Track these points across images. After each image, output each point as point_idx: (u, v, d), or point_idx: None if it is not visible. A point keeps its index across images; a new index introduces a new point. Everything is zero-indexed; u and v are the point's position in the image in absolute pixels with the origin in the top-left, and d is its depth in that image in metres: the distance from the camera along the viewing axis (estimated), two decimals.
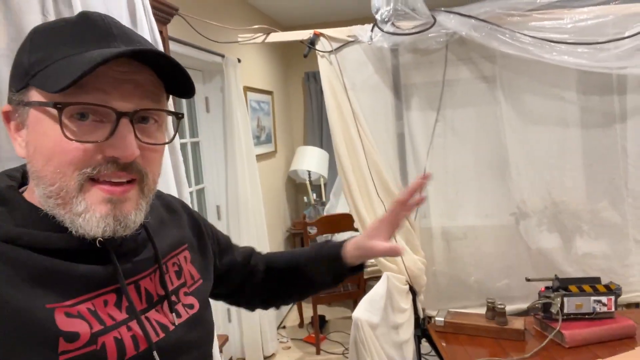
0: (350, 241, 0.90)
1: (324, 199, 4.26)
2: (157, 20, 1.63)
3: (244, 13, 3.35)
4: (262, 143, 3.68)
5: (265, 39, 1.78)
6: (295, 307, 3.75)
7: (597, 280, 1.65)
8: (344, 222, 3.24)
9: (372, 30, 1.71)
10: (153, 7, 1.57)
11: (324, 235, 4.12)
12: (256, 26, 1.78)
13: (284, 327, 3.71)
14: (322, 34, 1.75)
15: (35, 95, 0.54)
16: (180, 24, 2.04)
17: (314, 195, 4.24)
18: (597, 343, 1.56)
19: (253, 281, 0.93)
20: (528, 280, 1.70)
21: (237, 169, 2.85)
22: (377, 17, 1.70)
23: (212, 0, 2.80)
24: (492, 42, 1.70)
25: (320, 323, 3.43)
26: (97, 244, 0.56)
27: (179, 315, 0.66)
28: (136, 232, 0.61)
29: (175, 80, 0.58)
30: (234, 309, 3.08)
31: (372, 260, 1.90)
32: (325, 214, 3.75)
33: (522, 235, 1.98)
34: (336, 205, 3.81)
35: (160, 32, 1.70)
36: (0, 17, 1.01)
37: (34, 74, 0.53)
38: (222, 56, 2.71)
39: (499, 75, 1.84)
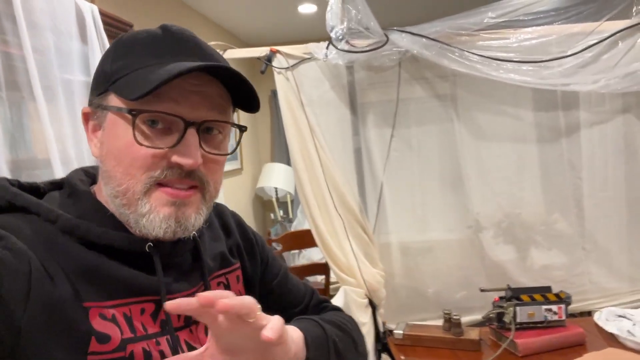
0: None
1: (291, 215, 4.26)
2: (110, 36, 1.63)
3: (207, 31, 3.37)
4: (228, 160, 3.66)
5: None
6: None
7: (547, 289, 1.70)
8: (309, 237, 3.22)
9: (327, 48, 1.75)
10: (105, 23, 1.57)
11: (291, 252, 4.11)
12: (213, 42, 1.79)
13: None
14: (278, 51, 1.77)
15: (113, 100, 0.57)
16: None
17: (281, 212, 4.24)
18: (549, 351, 1.60)
19: None
20: (482, 290, 1.74)
21: None
22: (332, 35, 1.74)
23: (173, 16, 2.82)
24: (443, 60, 1.76)
25: None
26: (147, 249, 0.57)
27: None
28: (187, 245, 0.63)
29: (241, 94, 0.62)
30: None
31: (334, 276, 1.90)
32: (292, 230, 3.75)
33: (479, 248, 2.03)
34: (303, 222, 3.82)
35: None
36: None
37: (114, 81, 0.57)
38: None
39: (452, 94, 1.91)
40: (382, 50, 1.76)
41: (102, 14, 1.57)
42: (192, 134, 0.57)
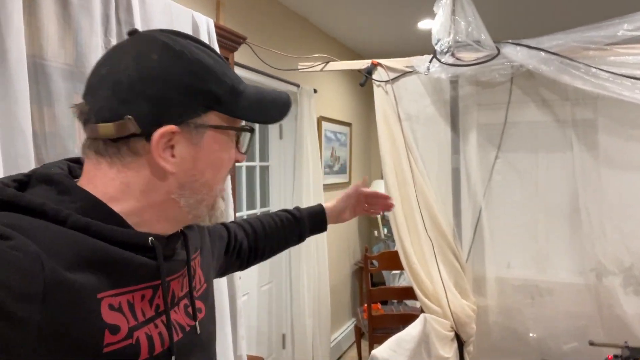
0: (332, 207, 1.16)
1: None
2: (223, 48, 1.75)
3: (323, 44, 3.46)
4: (336, 173, 3.70)
5: (324, 67, 1.82)
6: (355, 345, 3.63)
7: None
8: None
9: (430, 61, 1.67)
10: (220, 35, 1.69)
11: (392, 272, 3.98)
12: (315, 55, 1.83)
13: None
14: (379, 64, 1.74)
15: (214, 120, 0.63)
16: (251, 52, 2.16)
17: (385, 230, 4.15)
18: None
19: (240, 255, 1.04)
20: (592, 344, 1.48)
21: (303, 195, 2.90)
22: (437, 47, 1.66)
23: (287, 29, 2.94)
24: (563, 77, 1.57)
25: None
26: (150, 243, 0.61)
27: (194, 318, 0.71)
28: (178, 238, 0.70)
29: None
30: (289, 335, 3.07)
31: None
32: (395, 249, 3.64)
33: (597, 295, 1.75)
34: None
35: (227, 59, 1.82)
36: (70, 39, 1.15)
37: (220, 102, 0.63)
38: (298, 86, 2.81)
39: (572, 116, 1.68)
40: (491, 65, 1.63)
41: (217, 27, 1.69)
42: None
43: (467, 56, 1.66)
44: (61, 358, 0.51)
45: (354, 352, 3.70)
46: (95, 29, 1.16)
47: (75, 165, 0.67)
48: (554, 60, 1.58)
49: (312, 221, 1.12)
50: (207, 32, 1.62)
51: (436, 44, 1.67)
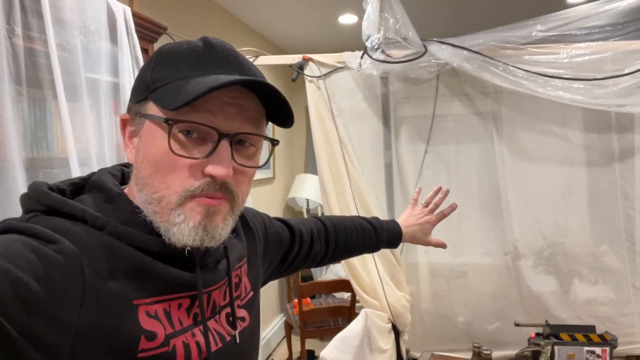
0: (406, 230, 1.16)
1: None
2: (142, 38, 1.61)
3: (244, 37, 3.37)
4: (260, 169, 3.64)
5: (253, 61, 1.75)
6: (285, 340, 3.62)
7: (591, 329, 1.54)
8: None
9: (361, 57, 1.67)
10: (139, 25, 1.56)
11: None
12: (245, 48, 1.76)
13: None
14: (311, 59, 1.72)
15: (151, 109, 0.58)
16: None
17: None
18: None
19: (309, 258, 1.02)
20: (517, 325, 1.60)
21: None
22: (367, 44, 1.67)
23: (209, 21, 2.82)
24: (484, 74, 1.65)
25: (309, 358, 3.29)
26: (186, 253, 0.60)
27: (234, 327, 0.69)
28: (218, 249, 0.67)
29: (276, 109, 0.63)
30: None
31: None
32: None
33: (516, 277, 1.88)
34: None
35: (146, 50, 1.68)
36: None
37: (153, 89, 0.59)
38: None
39: (493, 111, 1.79)
40: (419, 62, 1.67)
41: (135, 15, 1.56)
42: (224, 146, 0.57)
43: (397, 53, 1.69)
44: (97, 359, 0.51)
45: (284, 348, 3.68)
46: None
47: (128, 171, 0.68)
48: (476, 58, 1.66)
49: (389, 237, 1.14)
50: (124, 20, 1.48)
51: (367, 40, 1.68)
